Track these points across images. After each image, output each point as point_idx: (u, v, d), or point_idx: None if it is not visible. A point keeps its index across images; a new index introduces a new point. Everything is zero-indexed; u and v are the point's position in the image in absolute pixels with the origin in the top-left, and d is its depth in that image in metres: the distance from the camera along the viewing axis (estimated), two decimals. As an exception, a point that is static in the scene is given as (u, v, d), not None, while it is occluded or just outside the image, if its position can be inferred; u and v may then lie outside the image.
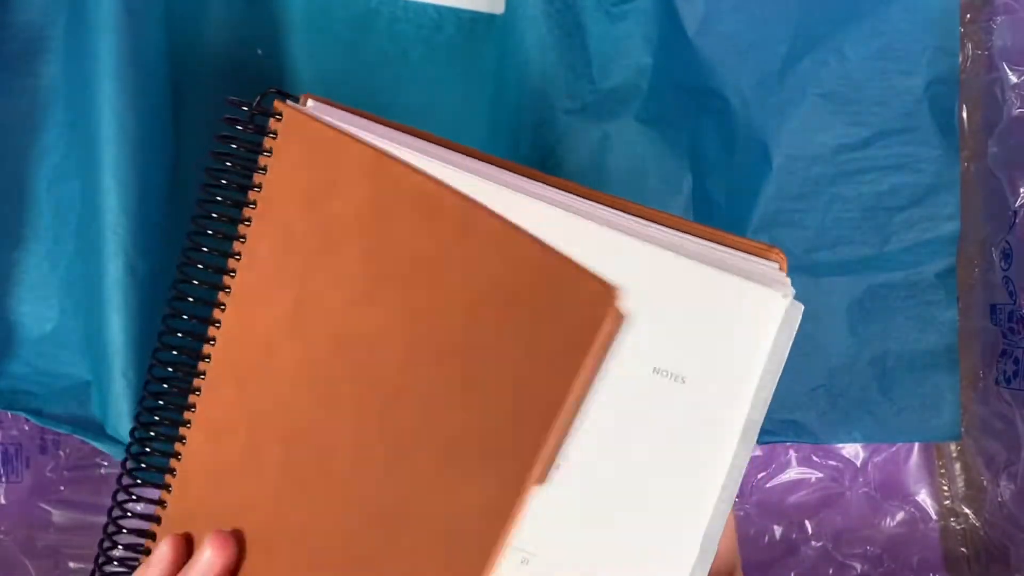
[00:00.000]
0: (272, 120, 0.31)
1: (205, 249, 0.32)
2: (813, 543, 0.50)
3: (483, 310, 0.24)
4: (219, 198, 0.32)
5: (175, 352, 0.33)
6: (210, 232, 0.32)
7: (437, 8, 0.46)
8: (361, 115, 0.31)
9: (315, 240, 0.29)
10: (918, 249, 0.45)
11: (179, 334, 0.33)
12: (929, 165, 0.44)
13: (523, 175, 0.31)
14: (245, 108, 0.32)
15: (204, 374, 0.32)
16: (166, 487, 0.34)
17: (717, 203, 0.46)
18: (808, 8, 0.43)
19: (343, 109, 0.32)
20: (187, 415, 0.33)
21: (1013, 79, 0.44)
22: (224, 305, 0.32)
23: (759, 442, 0.46)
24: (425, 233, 0.26)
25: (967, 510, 0.49)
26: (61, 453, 0.48)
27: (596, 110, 0.45)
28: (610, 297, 0.21)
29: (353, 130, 0.30)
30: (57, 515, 0.48)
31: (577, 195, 0.31)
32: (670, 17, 0.44)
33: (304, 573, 0.28)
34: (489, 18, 0.46)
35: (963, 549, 0.49)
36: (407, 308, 0.26)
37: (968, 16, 0.46)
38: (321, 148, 0.29)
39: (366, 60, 0.45)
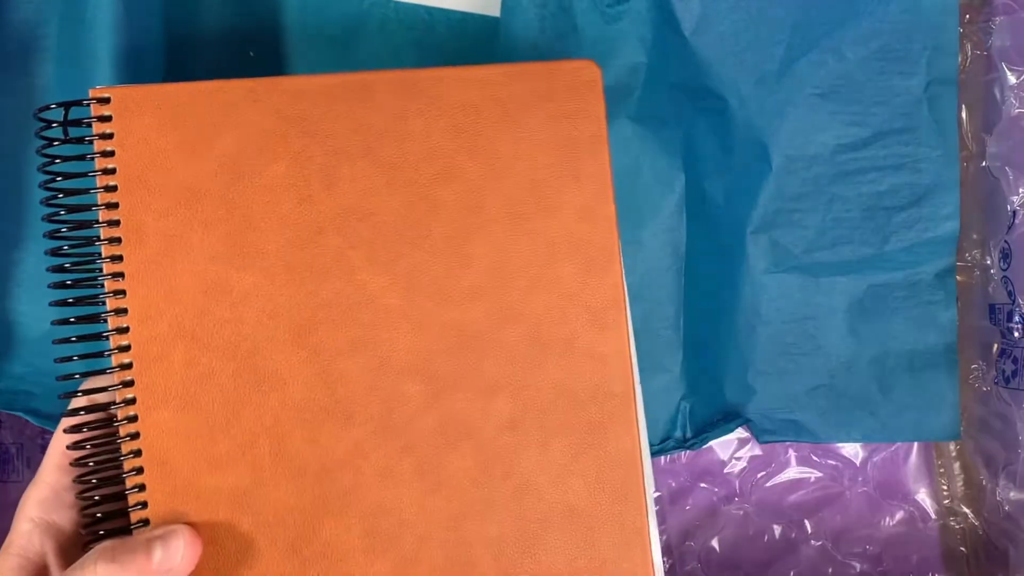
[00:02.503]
0: (96, 107, 0.32)
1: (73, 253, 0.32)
2: (812, 542, 0.50)
3: (469, 132, 0.32)
4: (69, 203, 0.32)
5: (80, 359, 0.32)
6: (71, 235, 0.32)
7: (428, 9, 0.46)
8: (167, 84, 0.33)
9: (223, 177, 0.32)
10: (918, 249, 0.45)
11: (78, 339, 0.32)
12: (928, 165, 0.44)
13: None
14: (58, 115, 0.32)
15: (130, 359, 0.32)
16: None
17: (716, 203, 0.46)
18: (806, 8, 0.43)
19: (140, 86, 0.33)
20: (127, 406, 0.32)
21: (1012, 79, 0.44)
22: (124, 292, 0.31)
23: (759, 441, 0.46)
24: (368, 110, 0.32)
25: (966, 509, 0.49)
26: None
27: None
28: (590, 63, 0.33)
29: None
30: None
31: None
32: (666, 18, 0.44)
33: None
34: (481, 19, 0.46)
35: (962, 548, 0.49)
36: (385, 167, 0.32)
37: (967, 17, 0.46)
38: (180, 105, 0.32)
39: (358, 62, 0.45)
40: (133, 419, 0.31)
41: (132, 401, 0.31)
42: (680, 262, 0.47)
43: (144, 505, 0.31)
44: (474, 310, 0.32)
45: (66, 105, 0.32)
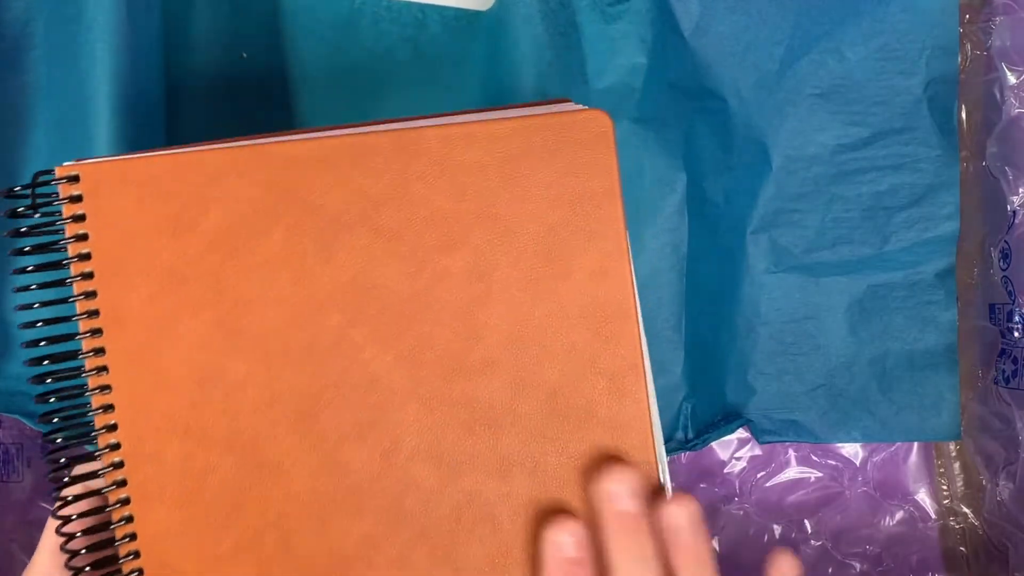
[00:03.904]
0: (65, 186, 0.29)
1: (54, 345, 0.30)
2: (812, 542, 0.50)
3: (474, 193, 0.30)
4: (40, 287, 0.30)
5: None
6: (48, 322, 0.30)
7: (421, 6, 0.45)
8: (141, 153, 0.31)
9: (210, 257, 0.29)
10: (918, 249, 0.44)
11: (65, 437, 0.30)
12: (928, 165, 0.44)
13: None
14: (27, 195, 0.29)
15: (120, 457, 0.30)
16: None
17: (715, 203, 0.46)
18: (805, 8, 0.43)
19: (115, 158, 0.31)
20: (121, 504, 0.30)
21: (1012, 80, 0.44)
22: (109, 387, 0.30)
23: (760, 441, 0.46)
24: (364, 175, 0.30)
25: (966, 509, 0.49)
26: (61, 453, 0.48)
27: (590, 110, 0.45)
28: (602, 114, 0.29)
29: (169, 153, 0.30)
30: (57, 515, 0.48)
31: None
32: (665, 18, 0.44)
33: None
34: (474, 15, 0.46)
35: (962, 548, 0.49)
36: (385, 236, 0.30)
37: (967, 17, 0.46)
38: (158, 180, 0.29)
39: (351, 61, 0.45)
40: (129, 519, 0.30)
41: (127, 501, 0.30)
42: (682, 262, 0.47)
43: None
44: (486, 384, 0.30)
45: (32, 186, 0.29)
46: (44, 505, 0.48)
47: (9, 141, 0.43)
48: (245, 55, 0.45)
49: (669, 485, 0.32)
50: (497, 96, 0.45)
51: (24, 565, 0.47)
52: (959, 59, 0.44)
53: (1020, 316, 0.44)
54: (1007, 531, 0.46)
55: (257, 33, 0.45)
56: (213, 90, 0.45)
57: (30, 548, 0.48)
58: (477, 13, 0.46)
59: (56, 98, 0.43)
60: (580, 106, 0.31)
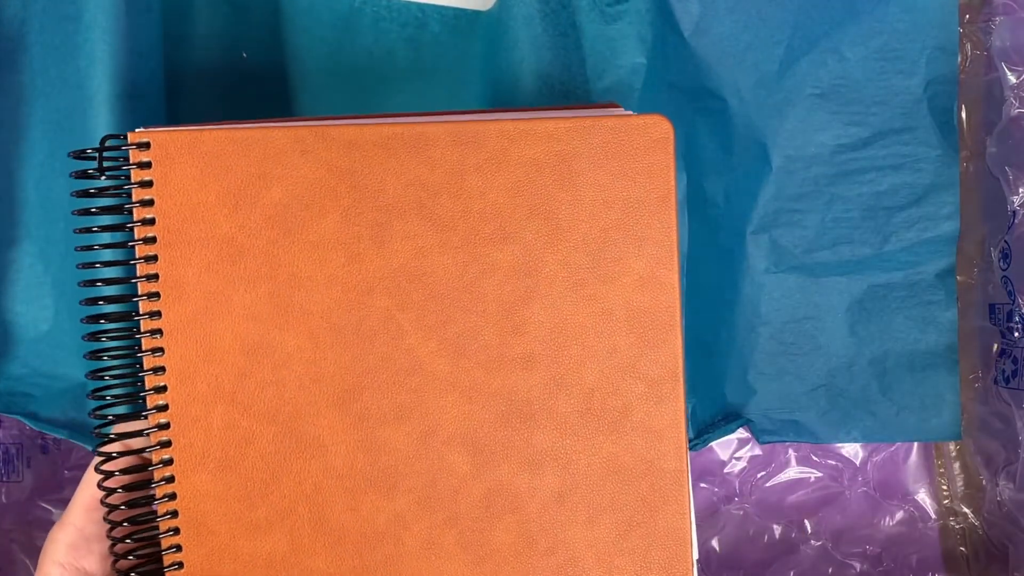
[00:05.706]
0: (135, 152, 0.30)
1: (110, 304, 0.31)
2: (812, 542, 0.50)
3: (529, 190, 0.30)
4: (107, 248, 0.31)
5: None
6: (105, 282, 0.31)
7: (420, 6, 0.45)
8: (206, 124, 0.31)
9: (268, 232, 0.30)
10: (917, 249, 0.45)
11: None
12: (928, 165, 0.44)
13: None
14: (94, 158, 0.30)
15: (167, 419, 0.31)
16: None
17: (715, 203, 0.46)
18: (805, 8, 0.43)
19: (184, 127, 0.31)
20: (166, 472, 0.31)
21: (1012, 79, 0.44)
22: (162, 350, 0.31)
23: (760, 441, 0.46)
24: (422, 164, 0.30)
25: (966, 509, 0.49)
26: (61, 453, 0.48)
27: (590, 110, 0.45)
28: (663, 119, 0.30)
29: (240, 128, 0.31)
30: (57, 515, 0.48)
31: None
32: (665, 18, 0.44)
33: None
34: (474, 15, 0.46)
35: (962, 548, 0.49)
36: (438, 225, 0.30)
37: (967, 17, 0.46)
38: (224, 154, 0.30)
39: (351, 60, 0.45)
40: (170, 479, 0.31)
41: (169, 462, 0.31)
42: (682, 262, 0.47)
43: (180, 565, 0.31)
44: (525, 379, 0.31)
45: (100, 149, 0.30)
46: (44, 505, 0.48)
47: (4, 141, 0.43)
48: (245, 55, 0.45)
49: (691, 494, 0.32)
50: (497, 97, 0.45)
51: (24, 565, 0.47)
52: (959, 59, 0.44)
53: (1020, 316, 0.44)
54: (1007, 531, 0.46)
55: (257, 33, 0.45)
56: (213, 91, 0.45)
57: (30, 548, 0.48)
58: (477, 13, 0.46)
59: (54, 98, 0.42)
60: (630, 112, 0.31)
